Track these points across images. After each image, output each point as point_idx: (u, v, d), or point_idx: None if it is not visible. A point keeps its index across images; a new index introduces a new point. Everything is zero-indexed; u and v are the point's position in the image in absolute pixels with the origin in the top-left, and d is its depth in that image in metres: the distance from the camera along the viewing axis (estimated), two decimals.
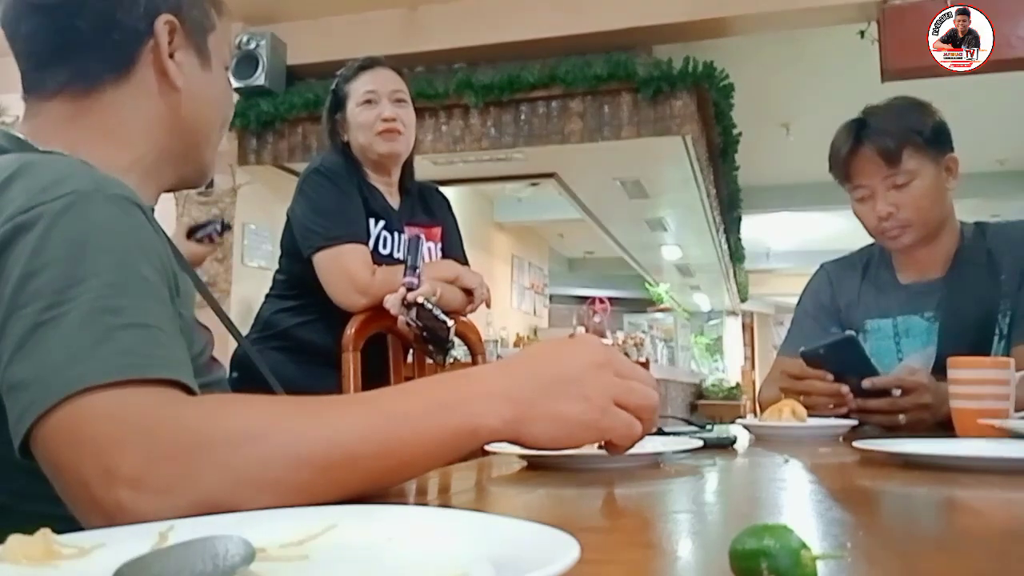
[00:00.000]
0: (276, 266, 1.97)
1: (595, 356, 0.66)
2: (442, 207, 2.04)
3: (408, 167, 1.96)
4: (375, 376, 1.71)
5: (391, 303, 1.66)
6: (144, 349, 0.59)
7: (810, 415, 1.28)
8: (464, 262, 1.98)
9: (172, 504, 0.51)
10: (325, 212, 1.78)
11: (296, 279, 1.86)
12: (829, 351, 1.39)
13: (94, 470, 0.53)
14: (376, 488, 0.59)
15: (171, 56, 0.83)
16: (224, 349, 1.09)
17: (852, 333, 1.45)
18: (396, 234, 1.89)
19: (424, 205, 2.00)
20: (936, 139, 1.54)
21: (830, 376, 1.37)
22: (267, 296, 1.96)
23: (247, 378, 1.65)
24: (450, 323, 1.66)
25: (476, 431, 0.60)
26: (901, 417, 1.34)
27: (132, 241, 0.66)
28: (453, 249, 2.00)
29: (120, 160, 0.80)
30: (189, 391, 0.60)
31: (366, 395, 0.63)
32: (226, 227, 2.25)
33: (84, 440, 0.54)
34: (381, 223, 1.87)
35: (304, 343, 1.84)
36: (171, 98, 0.84)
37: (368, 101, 1.86)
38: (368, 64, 1.91)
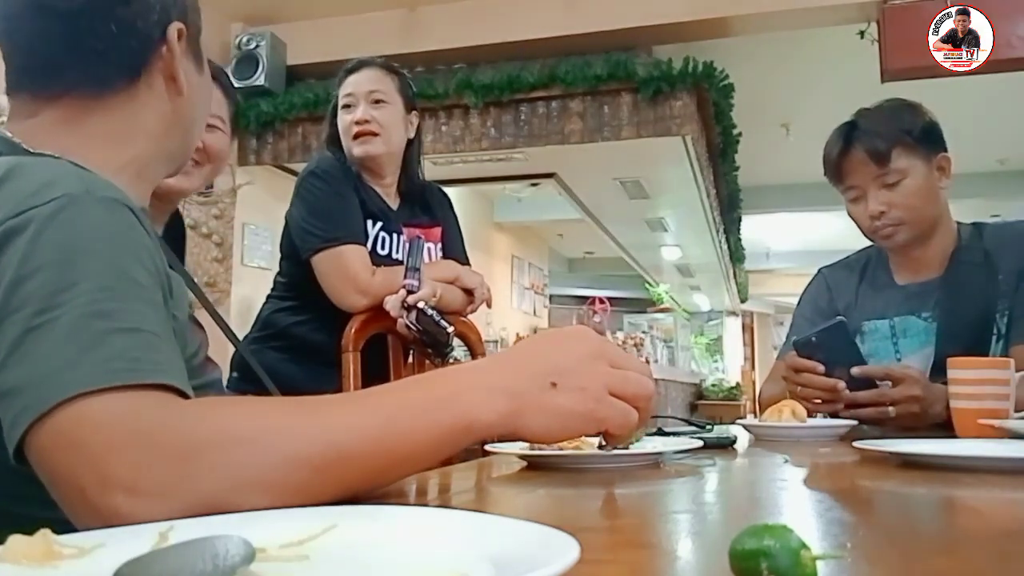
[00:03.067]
0: (276, 267, 1.97)
1: (588, 347, 0.66)
2: (442, 205, 2.03)
3: (407, 167, 1.96)
4: (375, 376, 1.71)
5: (391, 305, 1.66)
6: (136, 354, 0.58)
7: (809, 415, 1.28)
8: (465, 261, 1.97)
9: (168, 508, 0.51)
10: (322, 214, 1.77)
11: (296, 281, 1.86)
12: (820, 337, 1.41)
13: (89, 476, 0.53)
14: (374, 486, 0.59)
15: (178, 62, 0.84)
16: (223, 348, 1.09)
17: (842, 318, 1.47)
18: (394, 235, 1.88)
19: (424, 205, 1.99)
20: (926, 138, 1.55)
21: (821, 368, 1.38)
22: (268, 297, 1.96)
23: (247, 378, 1.66)
24: (450, 329, 1.66)
25: (472, 425, 0.60)
26: (891, 409, 1.34)
27: (123, 244, 0.66)
28: (453, 249, 1.99)
29: (116, 161, 0.80)
30: (183, 395, 0.60)
31: (360, 393, 0.64)
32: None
33: (78, 446, 0.54)
34: (379, 224, 1.86)
35: (304, 342, 1.84)
36: (177, 102, 0.85)
37: (347, 105, 1.86)
38: (354, 67, 1.90)
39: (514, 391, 0.62)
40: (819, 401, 1.40)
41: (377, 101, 1.85)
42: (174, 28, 0.82)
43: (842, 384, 1.36)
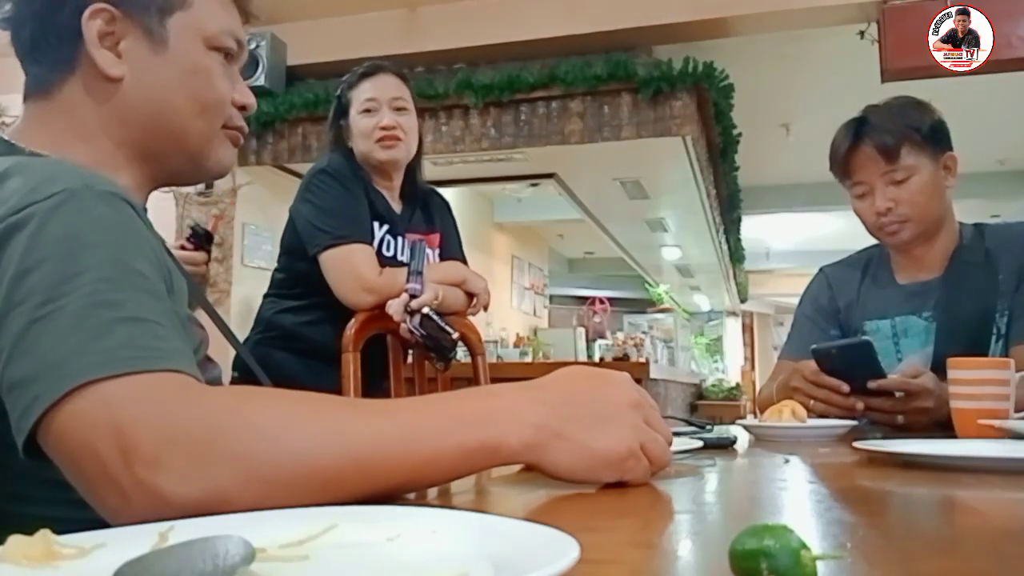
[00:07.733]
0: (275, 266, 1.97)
1: (629, 396, 0.66)
2: (441, 211, 2.06)
3: (411, 173, 1.98)
4: (375, 376, 1.71)
5: (394, 309, 1.66)
6: (144, 342, 0.58)
7: (810, 415, 1.28)
8: (463, 264, 1.99)
9: (186, 490, 0.51)
10: (333, 212, 1.79)
11: (297, 277, 1.87)
12: (842, 352, 1.39)
13: (111, 450, 0.52)
14: (387, 495, 0.59)
15: (117, 45, 0.80)
16: (224, 348, 1.09)
17: (868, 339, 1.45)
18: (399, 238, 1.91)
19: (425, 211, 2.02)
20: (934, 137, 1.56)
21: (846, 387, 1.36)
22: (266, 296, 1.96)
23: (248, 380, 1.66)
24: (455, 334, 1.67)
25: (497, 450, 0.60)
26: (899, 418, 1.35)
27: (125, 236, 0.66)
28: (451, 253, 2.01)
29: (87, 159, 0.79)
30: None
31: (387, 403, 0.63)
32: (207, 237, 1.77)
33: (99, 422, 0.53)
34: (385, 227, 1.89)
35: (308, 341, 1.84)
36: (111, 88, 0.81)
37: (368, 110, 1.87)
38: (371, 71, 1.92)
39: (546, 423, 0.61)
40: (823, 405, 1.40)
41: (399, 108, 1.88)
42: (88, 12, 0.79)
43: (861, 405, 1.35)
